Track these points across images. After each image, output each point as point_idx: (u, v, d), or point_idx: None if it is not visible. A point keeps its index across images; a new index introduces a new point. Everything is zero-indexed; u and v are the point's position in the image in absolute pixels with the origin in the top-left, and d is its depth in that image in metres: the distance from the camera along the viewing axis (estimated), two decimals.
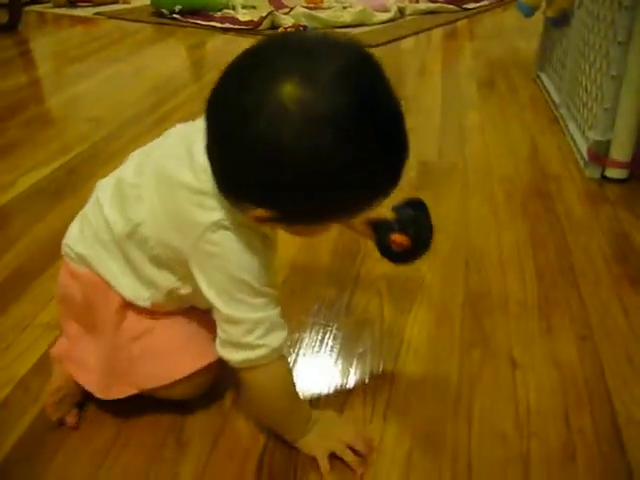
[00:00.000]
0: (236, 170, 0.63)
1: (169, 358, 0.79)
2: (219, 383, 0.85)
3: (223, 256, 0.68)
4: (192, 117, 1.83)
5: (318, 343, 0.96)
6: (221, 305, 0.70)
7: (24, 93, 2.24)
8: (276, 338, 0.72)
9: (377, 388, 0.87)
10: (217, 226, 0.67)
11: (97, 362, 0.80)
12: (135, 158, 0.79)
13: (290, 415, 0.79)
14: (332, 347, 0.95)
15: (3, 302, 1.03)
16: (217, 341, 0.74)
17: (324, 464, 0.76)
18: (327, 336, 0.97)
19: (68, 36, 3.21)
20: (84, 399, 0.83)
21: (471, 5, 3.47)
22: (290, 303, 1.04)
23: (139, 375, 0.79)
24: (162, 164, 0.73)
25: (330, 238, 1.22)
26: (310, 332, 0.98)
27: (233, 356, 0.72)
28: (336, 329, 0.99)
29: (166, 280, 0.76)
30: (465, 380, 0.89)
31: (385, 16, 3.12)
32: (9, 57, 2.74)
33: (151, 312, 0.79)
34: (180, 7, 3.32)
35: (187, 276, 0.73)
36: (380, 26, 3.04)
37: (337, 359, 0.93)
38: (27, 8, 3.51)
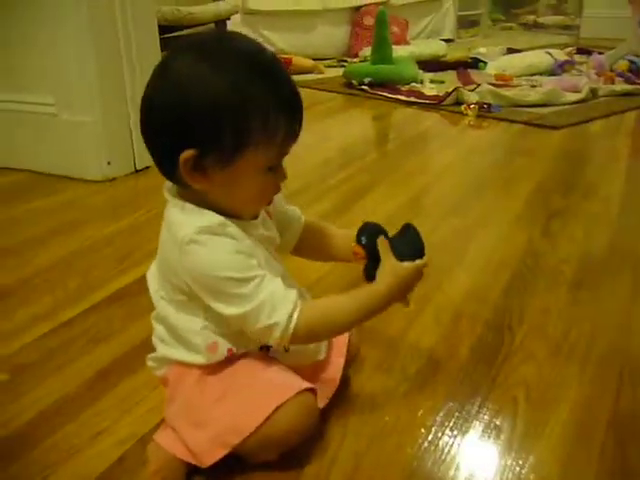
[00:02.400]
0: (157, 125, 0.78)
1: (248, 407, 0.81)
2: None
3: (198, 266, 0.77)
4: (360, 189, 1.92)
5: (440, 450, 0.90)
6: (224, 308, 0.78)
7: None
8: (284, 311, 0.78)
9: None
10: (185, 242, 0.77)
11: (188, 432, 0.82)
12: None
13: (363, 316, 0.86)
14: (455, 454, 0.89)
15: (142, 359, 1.08)
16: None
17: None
18: (450, 440, 0.91)
19: None
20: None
21: None
22: (419, 397, 1.00)
23: (227, 433, 0.80)
24: None
25: (473, 332, 1.17)
26: (433, 434, 0.93)
27: (270, 340, 0.80)
28: (462, 433, 0.93)
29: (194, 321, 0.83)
30: None
31: (575, 97, 3.00)
32: None
33: (228, 374, 0.84)
34: (370, 79, 3.43)
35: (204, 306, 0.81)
36: (569, 107, 2.92)
37: (456, 467, 0.87)
38: None
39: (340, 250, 0.99)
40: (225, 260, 0.77)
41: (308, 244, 1.00)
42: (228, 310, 0.78)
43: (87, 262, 1.50)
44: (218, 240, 0.78)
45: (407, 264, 0.88)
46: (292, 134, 0.80)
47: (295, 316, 0.79)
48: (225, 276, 0.77)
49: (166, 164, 0.79)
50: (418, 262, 0.88)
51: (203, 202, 0.80)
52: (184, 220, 0.79)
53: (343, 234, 1.00)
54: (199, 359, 0.84)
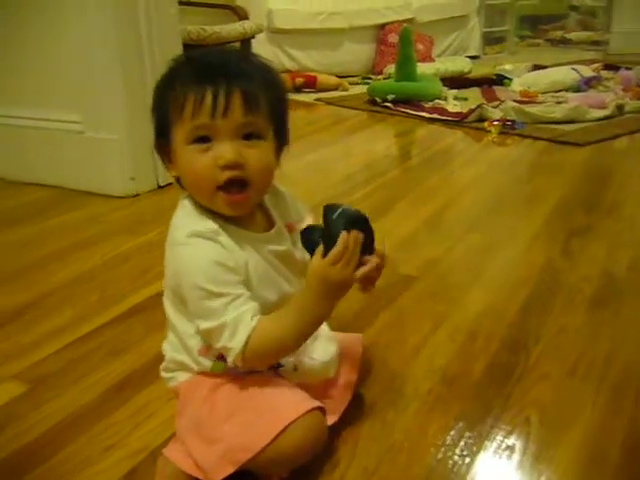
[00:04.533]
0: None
1: (258, 425, 0.81)
2: None
3: (180, 269, 0.80)
4: (381, 206, 1.90)
5: (449, 469, 0.89)
6: (195, 318, 0.81)
7: None
8: (241, 337, 0.79)
9: None
10: (176, 244, 0.81)
11: (197, 447, 0.83)
12: None
13: (306, 328, 0.83)
14: (464, 474, 0.88)
15: (156, 372, 1.09)
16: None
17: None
18: (460, 460, 0.90)
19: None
20: None
21: None
22: (430, 417, 0.99)
23: (237, 450, 0.80)
24: None
25: (488, 351, 1.16)
26: (443, 454, 0.92)
27: (229, 360, 0.82)
28: (472, 454, 0.92)
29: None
30: None
31: (601, 113, 2.97)
32: None
33: (237, 391, 0.85)
34: (393, 96, 3.43)
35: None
36: (594, 123, 2.90)
37: None
38: None
39: None
40: (203, 268, 0.79)
41: None
42: (197, 321, 0.81)
43: (107, 276, 1.52)
44: (203, 244, 0.80)
45: (317, 261, 0.80)
46: (204, 104, 0.78)
47: (247, 345, 0.79)
48: (198, 284, 0.79)
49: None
50: (332, 252, 0.79)
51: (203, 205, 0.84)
52: (183, 223, 0.83)
53: None
54: (192, 364, 0.87)
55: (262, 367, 0.86)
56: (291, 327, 0.81)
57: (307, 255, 0.85)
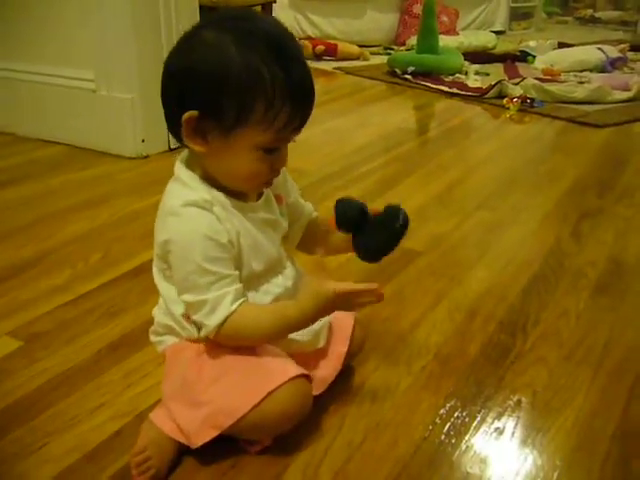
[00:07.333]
0: (171, 86, 0.80)
1: (242, 390, 0.81)
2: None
3: (172, 239, 0.79)
4: (393, 178, 1.89)
5: (435, 448, 0.88)
6: (178, 287, 0.82)
7: None
8: (217, 317, 0.79)
9: None
10: (169, 212, 0.80)
11: (181, 411, 0.83)
12: None
13: (285, 331, 0.85)
14: (450, 454, 0.87)
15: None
16: None
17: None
18: (447, 439, 0.90)
19: None
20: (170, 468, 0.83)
21: None
22: (421, 394, 0.99)
23: (220, 415, 0.80)
24: None
25: (485, 331, 1.15)
26: (430, 432, 0.91)
27: (200, 333, 0.83)
28: (460, 434, 0.91)
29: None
30: None
31: (624, 95, 2.91)
32: None
33: (224, 356, 0.84)
34: (413, 68, 3.39)
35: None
36: (616, 105, 2.84)
37: (450, 467, 0.85)
38: None
39: (340, 242, 0.96)
40: (195, 242, 0.78)
41: (310, 238, 0.99)
42: (179, 290, 0.82)
43: (112, 236, 1.52)
44: (197, 215, 0.79)
45: (329, 290, 0.81)
46: (293, 124, 0.79)
47: (222, 325, 0.80)
48: (188, 258, 0.78)
49: (173, 122, 0.80)
50: (344, 287, 0.82)
51: (204, 172, 0.83)
52: (177, 191, 0.82)
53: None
54: (179, 329, 0.87)
55: (231, 346, 0.85)
56: (271, 326, 0.83)
57: (292, 230, 0.95)
